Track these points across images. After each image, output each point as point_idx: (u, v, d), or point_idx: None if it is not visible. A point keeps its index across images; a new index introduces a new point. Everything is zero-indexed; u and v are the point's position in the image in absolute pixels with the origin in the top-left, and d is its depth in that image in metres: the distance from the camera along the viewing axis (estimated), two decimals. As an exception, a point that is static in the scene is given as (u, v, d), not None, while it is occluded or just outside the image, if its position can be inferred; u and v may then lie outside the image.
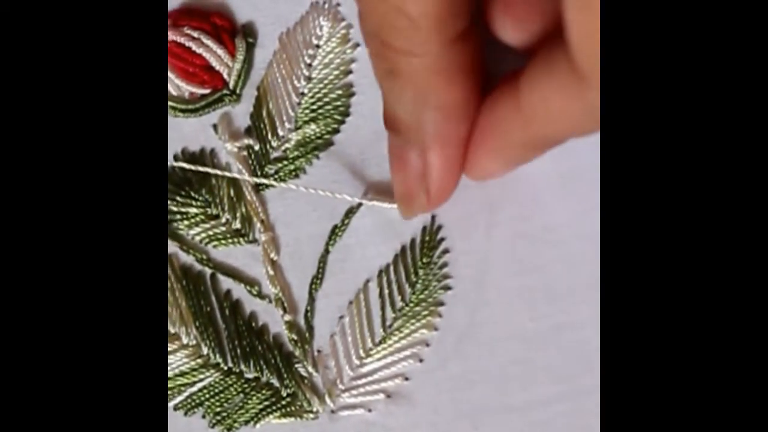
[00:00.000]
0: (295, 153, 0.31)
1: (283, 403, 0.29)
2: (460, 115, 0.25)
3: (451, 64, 0.24)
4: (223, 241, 0.31)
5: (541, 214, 0.29)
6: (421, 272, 0.30)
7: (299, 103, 0.32)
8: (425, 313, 0.29)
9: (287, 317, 0.30)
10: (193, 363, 0.30)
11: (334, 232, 0.30)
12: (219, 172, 0.31)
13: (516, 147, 0.25)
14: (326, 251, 0.30)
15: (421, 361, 0.29)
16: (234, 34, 0.32)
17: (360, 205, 0.30)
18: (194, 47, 0.32)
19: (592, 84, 0.20)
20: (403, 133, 0.26)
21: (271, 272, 0.30)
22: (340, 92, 0.31)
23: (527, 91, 0.23)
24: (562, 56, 0.21)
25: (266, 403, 0.30)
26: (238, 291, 0.31)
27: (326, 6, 0.32)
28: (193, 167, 0.31)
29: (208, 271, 0.31)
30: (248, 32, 0.32)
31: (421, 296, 0.29)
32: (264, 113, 0.32)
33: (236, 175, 0.31)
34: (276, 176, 0.31)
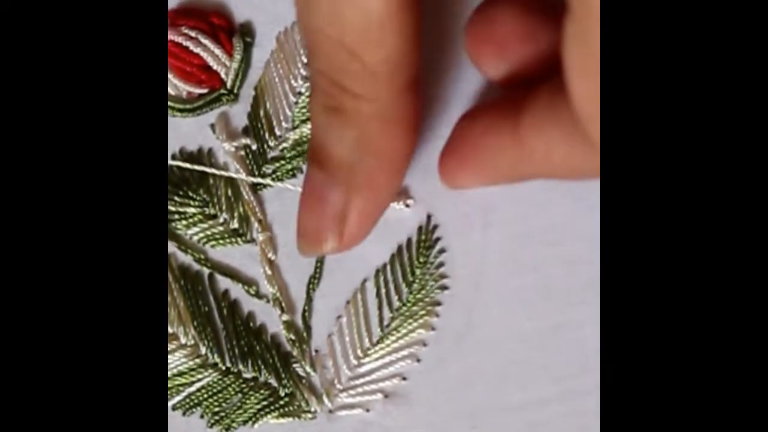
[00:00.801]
0: (293, 152, 0.31)
1: (281, 403, 0.29)
2: (397, 166, 0.25)
3: (399, 113, 0.24)
4: (220, 241, 0.31)
5: (537, 214, 0.29)
6: (417, 272, 0.29)
7: (296, 103, 0.31)
8: (422, 312, 0.29)
9: (285, 317, 0.30)
10: (191, 363, 0.30)
11: (331, 232, 0.30)
12: (216, 171, 0.31)
13: (507, 174, 0.25)
14: (323, 251, 0.30)
15: (418, 361, 0.29)
16: (232, 33, 0.32)
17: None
18: (192, 47, 0.32)
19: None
20: (332, 171, 0.25)
21: (269, 272, 0.30)
22: (336, 91, 0.31)
23: (531, 133, 0.23)
24: (568, 110, 0.21)
25: (264, 403, 0.29)
26: (236, 291, 0.30)
27: (324, 5, 0.32)
28: (191, 166, 0.31)
29: (206, 270, 0.31)
30: (246, 32, 0.32)
31: (418, 296, 0.29)
32: (261, 113, 0.32)
33: (233, 175, 0.31)
34: (273, 176, 0.31)
